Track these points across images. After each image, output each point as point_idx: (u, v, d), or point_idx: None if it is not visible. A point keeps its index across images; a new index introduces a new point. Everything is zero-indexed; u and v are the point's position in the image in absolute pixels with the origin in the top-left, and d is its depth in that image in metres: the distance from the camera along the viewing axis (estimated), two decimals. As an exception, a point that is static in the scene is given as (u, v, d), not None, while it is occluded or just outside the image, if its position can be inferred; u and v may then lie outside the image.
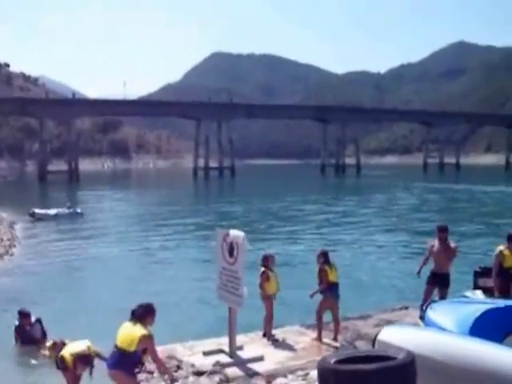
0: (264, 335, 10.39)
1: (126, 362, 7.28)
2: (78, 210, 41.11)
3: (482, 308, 6.88)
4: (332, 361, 5.55)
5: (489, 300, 8.25)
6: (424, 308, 7.48)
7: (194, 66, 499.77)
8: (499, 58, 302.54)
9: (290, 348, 9.89)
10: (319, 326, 10.48)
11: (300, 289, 14.45)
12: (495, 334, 6.44)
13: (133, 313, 7.37)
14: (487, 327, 6.53)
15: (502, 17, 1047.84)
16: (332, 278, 10.26)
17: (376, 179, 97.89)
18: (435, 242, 11.15)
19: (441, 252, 11.00)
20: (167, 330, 11.60)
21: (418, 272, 11.20)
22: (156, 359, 7.42)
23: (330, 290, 10.30)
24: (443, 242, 11.05)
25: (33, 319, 11.97)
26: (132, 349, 7.20)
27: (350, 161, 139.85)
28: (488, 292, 10.67)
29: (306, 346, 10.03)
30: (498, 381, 5.25)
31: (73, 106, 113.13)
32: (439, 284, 11.07)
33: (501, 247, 10.90)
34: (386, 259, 23.95)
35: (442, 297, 11.05)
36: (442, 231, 11.15)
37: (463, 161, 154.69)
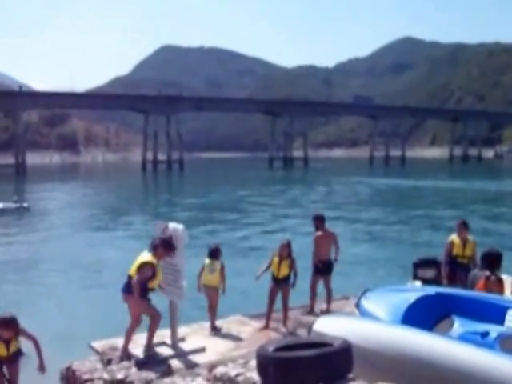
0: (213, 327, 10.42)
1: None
2: (25, 205, 40.49)
3: (414, 296, 7.07)
4: (270, 349, 5.72)
5: (420, 288, 8.47)
6: (358, 296, 7.64)
7: (144, 59, 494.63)
8: (444, 54, 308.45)
9: (232, 338, 9.99)
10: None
11: (244, 279, 14.64)
12: (426, 322, 6.66)
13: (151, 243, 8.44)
14: (418, 315, 6.72)
15: (447, 14, 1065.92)
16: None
17: (321, 173, 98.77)
18: (317, 232, 11.45)
19: (323, 240, 11.33)
20: (110, 323, 11.64)
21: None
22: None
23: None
24: (323, 230, 11.36)
25: None
26: (134, 273, 8.19)
27: (297, 154, 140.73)
28: (426, 282, 10.83)
29: (249, 336, 10.16)
30: (427, 368, 5.47)
31: (20, 98, 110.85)
32: (325, 272, 11.42)
33: (452, 236, 11.19)
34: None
35: (327, 284, 11.46)
36: (319, 220, 11.42)
37: (409, 154, 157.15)
